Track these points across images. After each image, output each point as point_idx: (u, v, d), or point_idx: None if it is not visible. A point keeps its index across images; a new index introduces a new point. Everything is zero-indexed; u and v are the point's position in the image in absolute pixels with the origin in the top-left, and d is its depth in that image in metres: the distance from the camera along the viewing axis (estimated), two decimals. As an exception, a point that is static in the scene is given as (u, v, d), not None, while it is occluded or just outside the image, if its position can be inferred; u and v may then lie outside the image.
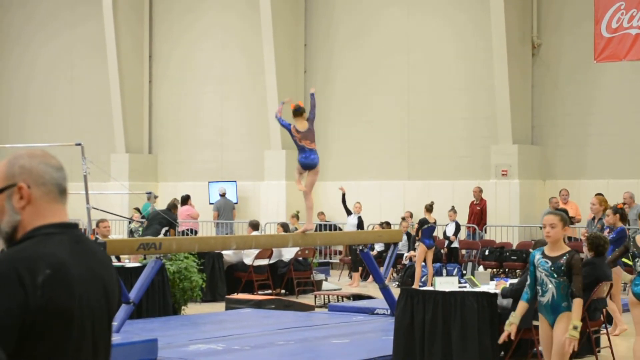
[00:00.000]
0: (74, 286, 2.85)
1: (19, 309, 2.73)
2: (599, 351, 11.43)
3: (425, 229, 18.43)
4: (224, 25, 27.77)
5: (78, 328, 2.85)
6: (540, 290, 7.78)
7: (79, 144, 16.10)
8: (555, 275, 7.68)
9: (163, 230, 19.04)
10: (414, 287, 17.63)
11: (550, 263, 7.72)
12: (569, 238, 20.99)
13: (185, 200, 25.04)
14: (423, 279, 18.38)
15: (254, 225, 19.90)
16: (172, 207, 20.37)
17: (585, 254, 12.01)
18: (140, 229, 20.92)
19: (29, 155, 2.97)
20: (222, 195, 26.60)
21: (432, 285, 11.75)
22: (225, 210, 26.45)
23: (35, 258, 2.81)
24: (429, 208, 18.78)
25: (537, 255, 7.81)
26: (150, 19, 29.40)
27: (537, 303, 7.82)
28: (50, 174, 2.95)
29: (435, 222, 18.67)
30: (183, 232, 23.92)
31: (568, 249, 7.78)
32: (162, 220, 19.15)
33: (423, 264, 18.65)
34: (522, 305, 8.03)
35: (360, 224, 22.01)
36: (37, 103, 31.70)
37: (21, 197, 2.92)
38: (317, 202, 26.25)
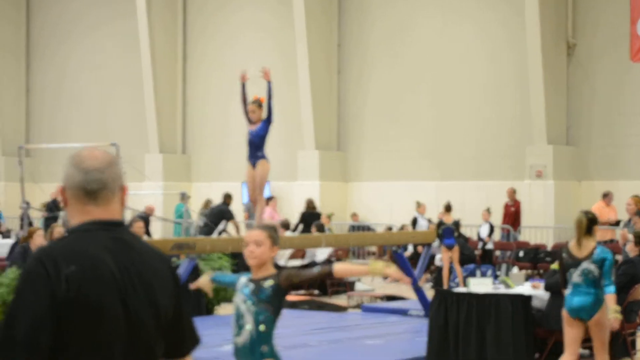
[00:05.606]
0: (105, 283, 2.89)
1: (49, 300, 2.82)
2: (634, 353, 11.33)
3: (444, 229, 18.45)
4: (258, 25, 27.80)
5: (109, 325, 2.88)
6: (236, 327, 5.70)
7: (114, 144, 16.22)
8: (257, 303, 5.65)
9: (221, 226, 19.10)
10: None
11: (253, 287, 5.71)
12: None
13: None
14: (456, 280, 18.32)
15: (285, 225, 19.90)
16: (227, 197, 20.53)
17: (628, 252, 11.89)
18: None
19: (73, 156, 3.08)
20: (250, 196, 26.58)
21: (464, 285, 11.70)
22: (257, 210, 26.43)
23: (63, 253, 2.90)
24: (447, 208, 18.81)
25: (242, 279, 5.85)
26: (184, 19, 29.50)
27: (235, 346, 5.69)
28: (74, 177, 3.04)
29: (455, 222, 18.64)
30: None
31: (275, 271, 5.78)
32: (213, 220, 19.28)
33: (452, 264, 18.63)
34: None
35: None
36: (72, 103, 31.90)
37: (62, 197, 3.08)
38: (350, 203, 26.28)
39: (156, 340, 3.01)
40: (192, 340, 3.16)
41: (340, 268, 5.80)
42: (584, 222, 8.84)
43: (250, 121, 12.35)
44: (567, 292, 8.87)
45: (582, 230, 8.81)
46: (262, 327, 5.58)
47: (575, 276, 8.80)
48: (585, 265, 8.78)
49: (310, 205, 23.11)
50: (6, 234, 24.11)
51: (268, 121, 12.29)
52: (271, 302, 5.60)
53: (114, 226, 3.02)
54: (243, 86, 12.43)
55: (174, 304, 3.06)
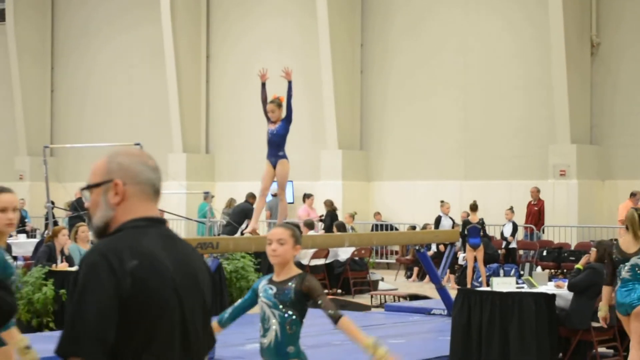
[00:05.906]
0: (164, 278, 2.91)
1: (114, 293, 2.81)
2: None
3: (470, 228, 18.44)
4: (281, 25, 27.83)
5: (168, 321, 2.91)
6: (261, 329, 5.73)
7: (138, 144, 16.30)
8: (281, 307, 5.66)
9: (244, 225, 19.16)
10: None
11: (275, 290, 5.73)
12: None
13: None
14: (480, 280, 18.31)
15: (309, 225, 19.92)
16: (250, 197, 20.59)
17: None
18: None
19: (127, 154, 3.07)
20: (274, 195, 26.65)
21: (487, 285, 11.68)
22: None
23: (124, 248, 2.89)
24: (473, 207, 18.81)
25: (263, 282, 5.86)
26: (208, 19, 29.57)
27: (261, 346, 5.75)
28: (145, 174, 3.05)
29: (480, 221, 18.62)
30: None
31: (298, 271, 5.82)
32: (236, 219, 19.33)
33: (476, 264, 18.62)
34: None
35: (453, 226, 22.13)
36: (96, 103, 32.05)
37: (116, 193, 3.00)
38: (372, 202, 26.26)
39: (206, 335, 3.06)
40: (210, 340, 3.19)
41: (344, 325, 5.60)
42: (636, 218, 9.09)
43: (270, 120, 12.42)
44: (616, 288, 9.07)
45: (637, 224, 9.04)
46: (287, 329, 5.61)
47: (624, 272, 8.99)
48: (635, 260, 8.97)
49: (331, 206, 23.16)
50: (31, 233, 24.27)
51: (288, 120, 12.38)
52: (295, 305, 5.63)
53: (160, 223, 3.06)
54: (263, 85, 12.49)
55: (211, 301, 3.12)
